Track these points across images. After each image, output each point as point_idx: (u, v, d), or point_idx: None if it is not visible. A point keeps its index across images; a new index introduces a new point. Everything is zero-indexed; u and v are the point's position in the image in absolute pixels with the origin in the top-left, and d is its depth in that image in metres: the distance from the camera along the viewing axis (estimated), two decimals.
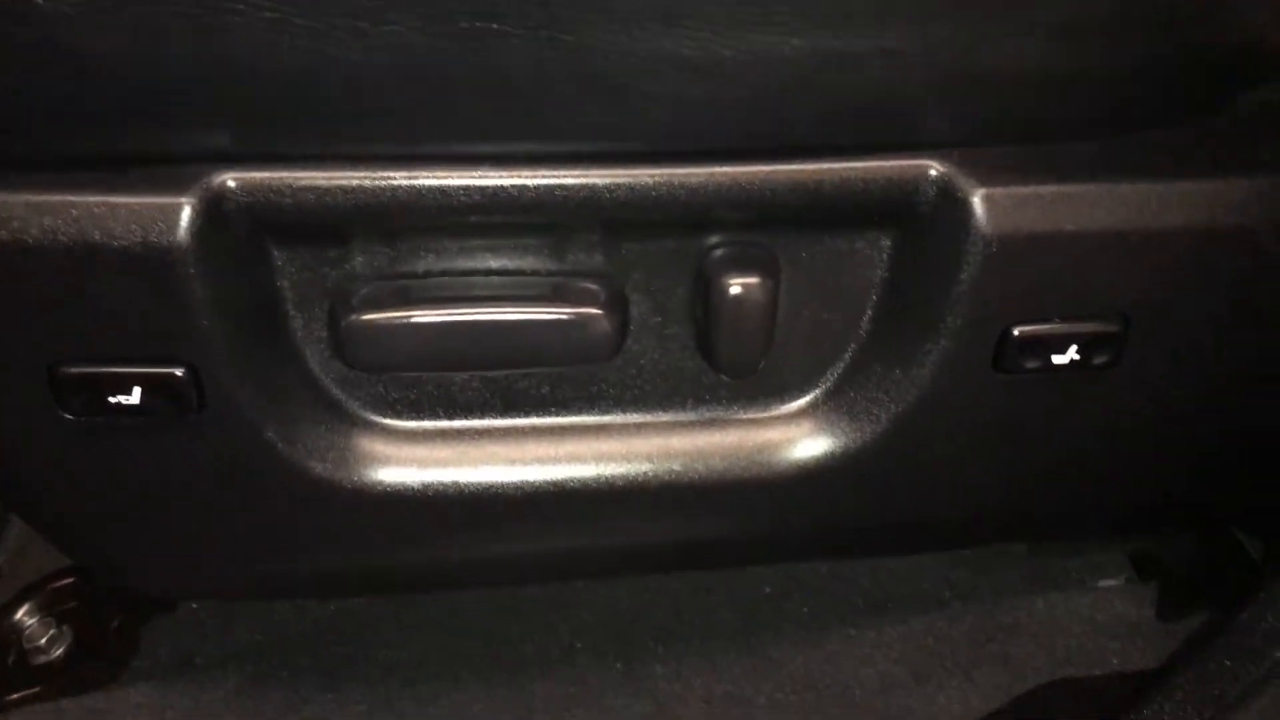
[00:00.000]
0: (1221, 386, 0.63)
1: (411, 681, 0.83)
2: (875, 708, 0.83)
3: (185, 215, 0.47)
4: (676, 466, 0.61)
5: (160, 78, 0.43)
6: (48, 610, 0.81)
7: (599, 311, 0.55)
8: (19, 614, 0.81)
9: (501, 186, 0.50)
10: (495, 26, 0.42)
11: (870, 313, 0.60)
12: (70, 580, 0.81)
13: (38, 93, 0.42)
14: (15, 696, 0.79)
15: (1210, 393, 0.64)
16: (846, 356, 0.61)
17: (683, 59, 0.44)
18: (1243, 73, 0.56)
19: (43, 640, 0.80)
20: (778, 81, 0.46)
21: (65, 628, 0.81)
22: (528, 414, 0.61)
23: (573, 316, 0.55)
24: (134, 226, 0.47)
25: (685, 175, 0.51)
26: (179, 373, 0.51)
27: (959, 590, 0.89)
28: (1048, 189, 0.54)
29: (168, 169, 0.47)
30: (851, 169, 0.53)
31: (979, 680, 0.82)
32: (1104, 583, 0.89)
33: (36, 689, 0.79)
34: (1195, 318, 0.60)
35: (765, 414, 0.63)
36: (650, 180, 0.51)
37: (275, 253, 0.52)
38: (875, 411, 0.61)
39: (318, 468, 0.57)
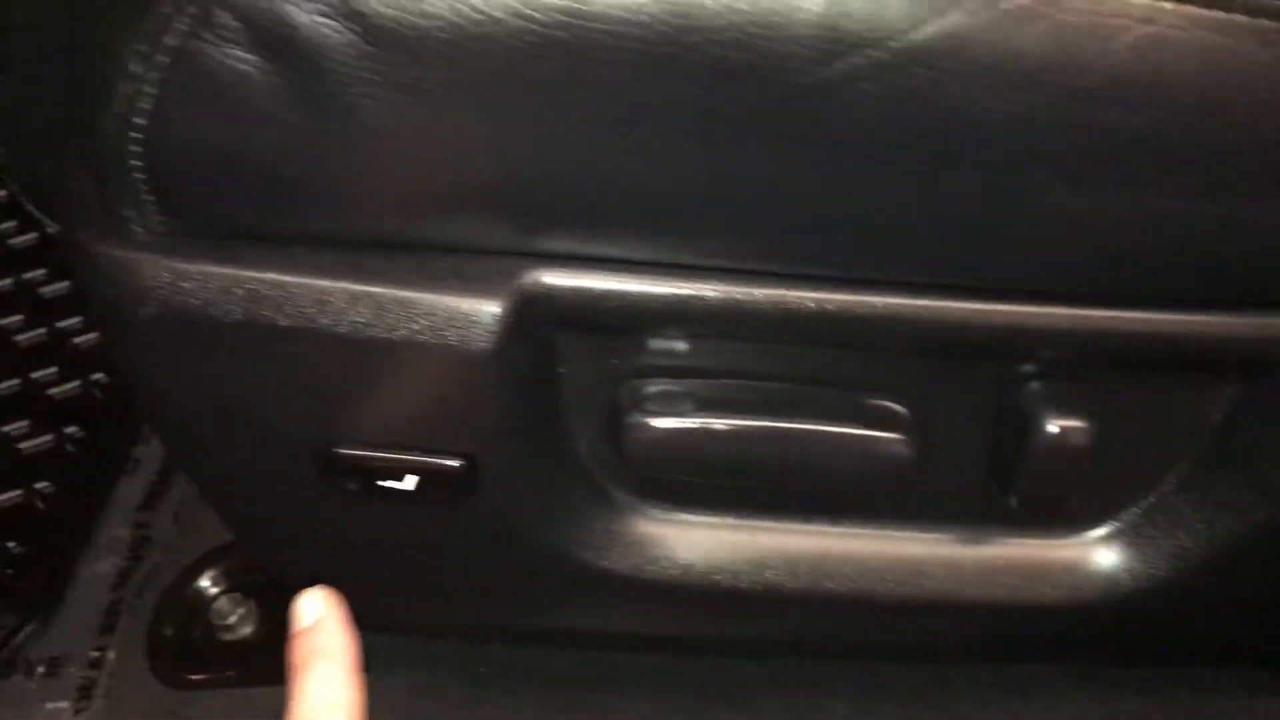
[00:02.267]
0: None
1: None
2: None
3: (493, 318, 0.43)
4: (947, 583, 0.56)
5: (497, 173, 0.40)
6: (233, 581, 0.74)
7: (901, 436, 0.49)
8: (204, 580, 0.74)
9: (804, 305, 0.44)
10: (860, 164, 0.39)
11: (1192, 457, 0.53)
12: None
13: (365, 178, 0.40)
14: (206, 678, 0.71)
15: None
16: (1151, 496, 0.54)
17: (1060, 210, 0.40)
18: None
19: (231, 617, 0.73)
20: (1145, 238, 0.42)
21: (252, 604, 0.73)
22: (795, 518, 0.55)
23: (875, 438, 0.49)
24: (438, 325, 0.43)
25: (1004, 312, 0.45)
26: (455, 463, 0.47)
27: None
28: None
29: (476, 264, 0.43)
30: (1194, 322, 0.45)
31: None
32: None
33: (230, 672, 0.71)
34: None
35: (1050, 543, 0.56)
36: (966, 313, 0.45)
37: (560, 341, 0.48)
38: (1174, 552, 0.54)
39: (574, 551, 0.53)
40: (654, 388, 0.49)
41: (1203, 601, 0.57)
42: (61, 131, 0.46)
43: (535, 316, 0.44)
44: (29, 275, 0.93)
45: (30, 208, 0.54)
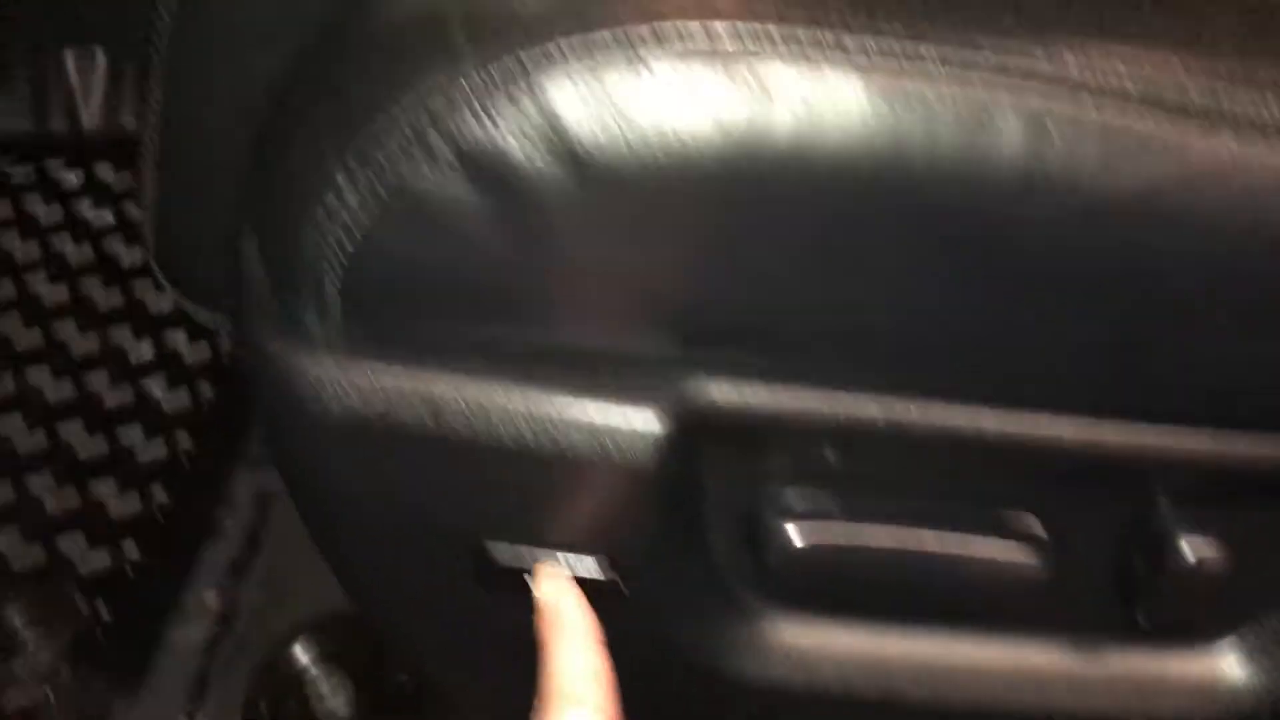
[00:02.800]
0: None
1: None
2: None
3: (652, 428, 0.44)
4: (1068, 696, 0.56)
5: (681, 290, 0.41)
6: (329, 654, 0.76)
7: (1038, 552, 0.50)
8: (299, 652, 0.76)
9: (960, 426, 0.45)
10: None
11: None
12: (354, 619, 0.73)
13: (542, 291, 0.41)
14: None
15: None
16: (1269, 612, 0.56)
17: (1233, 350, 0.43)
18: None
19: (324, 687, 0.74)
20: None
21: (348, 680, 0.75)
22: (920, 625, 0.56)
23: (1013, 553, 0.50)
24: (599, 434, 0.44)
25: (1152, 440, 0.46)
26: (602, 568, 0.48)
27: None
28: None
29: (639, 372, 0.44)
30: None
31: None
32: None
33: None
34: None
35: (1174, 658, 0.57)
36: (1116, 438, 0.46)
37: (708, 449, 0.48)
38: None
39: (701, 654, 0.54)
40: (796, 496, 0.50)
41: None
42: (225, 229, 0.47)
43: (692, 426, 0.45)
44: (113, 336, 0.95)
45: (179, 298, 0.56)
